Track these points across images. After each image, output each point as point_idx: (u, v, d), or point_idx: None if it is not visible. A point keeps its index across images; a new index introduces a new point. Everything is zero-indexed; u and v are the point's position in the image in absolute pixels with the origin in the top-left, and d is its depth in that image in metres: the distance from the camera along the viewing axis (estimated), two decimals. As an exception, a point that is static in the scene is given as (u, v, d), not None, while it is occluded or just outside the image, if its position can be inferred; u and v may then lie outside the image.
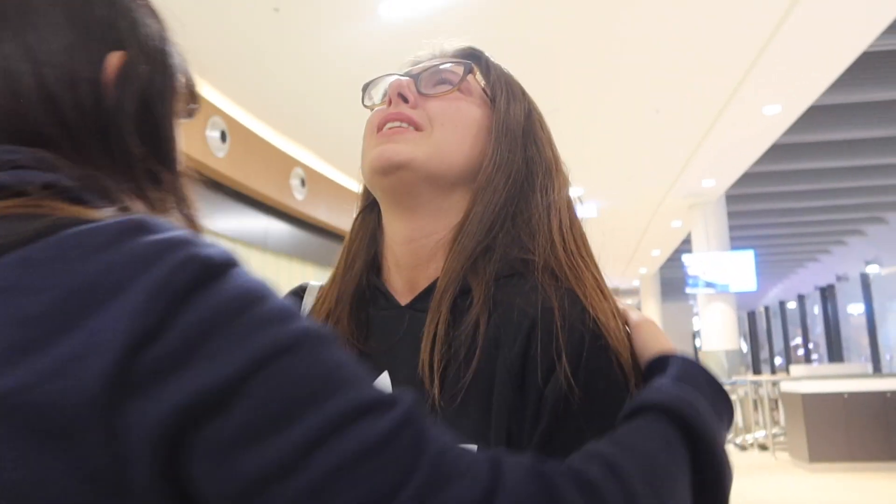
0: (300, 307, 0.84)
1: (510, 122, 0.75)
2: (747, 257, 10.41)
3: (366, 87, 0.84)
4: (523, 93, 0.80)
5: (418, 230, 0.74)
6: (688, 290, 10.76)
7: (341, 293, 0.77)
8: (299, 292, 0.88)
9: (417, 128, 0.73)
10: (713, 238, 10.49)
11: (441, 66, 0.77)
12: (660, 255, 15.63)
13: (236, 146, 6.83)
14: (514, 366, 0.62)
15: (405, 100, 0.75)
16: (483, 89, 0.78)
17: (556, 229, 0.71)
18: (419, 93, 0.75)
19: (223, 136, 6.55)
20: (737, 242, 11.48)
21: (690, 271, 10.35)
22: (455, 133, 0.73)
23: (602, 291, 0.67)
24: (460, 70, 0.77)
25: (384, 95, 0.80)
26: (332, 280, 0.80)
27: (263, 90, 6.52)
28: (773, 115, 7.09)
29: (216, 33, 5.45)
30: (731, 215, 11.01)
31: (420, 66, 0.79)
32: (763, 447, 8.89)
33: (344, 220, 9.22)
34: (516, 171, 0.73)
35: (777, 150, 8.44)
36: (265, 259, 7.97)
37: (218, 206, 6.97)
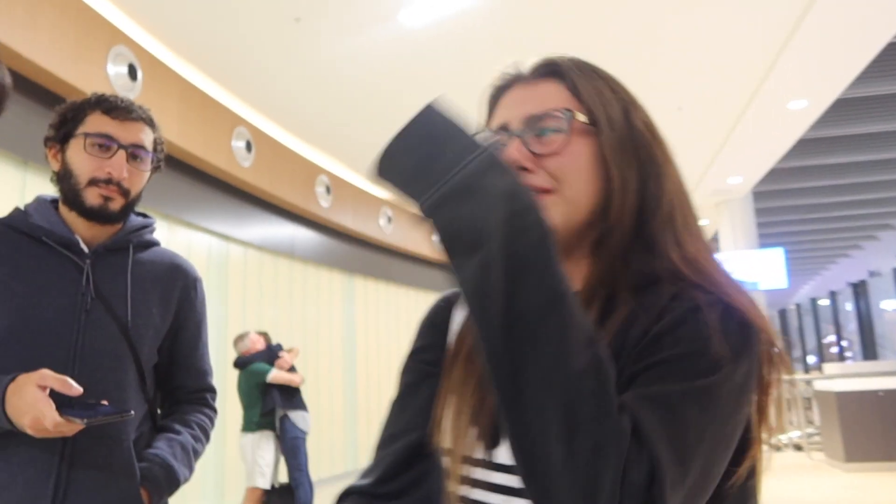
0: (449, 315, 0.87)
1: (615, 139, 0.73)
2: (777, 255, 10.26)
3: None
4: (612, 87, 0.78)
5: None
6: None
7: None
8: (450, 301, 0.89)
9: (548, 192, 0.72)
10: (741, 236, 10.36)
11: (539, 115, 0.74)
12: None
13: (261, 155, 6.92)
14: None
15: (525, 168, 0.72)
16: (582, 112, 0.75)
17: (671, 243, 0.72)
18: (534, 154, 0.73)
19: (248, 146, 6.64)
20: (765, 240, 11.33)
21: (718, 270, 10.24)
22: (580, 181, 0.72)
23: (734, 285, 0.69)
24: (559, 112, 0.73)
25: None
26: None
27: (287, 99, 6.60)
28: (799, 110, 6.99)
29: (239, 45, 5.54)
30: (758, 212, 10.86)
31: (516, 115, 0.75)
32: (798, 447, 8.75)
33: (369, 226, 9.28)
34: (634, 191, 0.72)
35: (804, 145, 8.32)
36: (292, 266, 8.06)
37: (245, 215, 7.06)
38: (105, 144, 1.32)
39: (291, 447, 5.04)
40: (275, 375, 5.04)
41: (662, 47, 5.71)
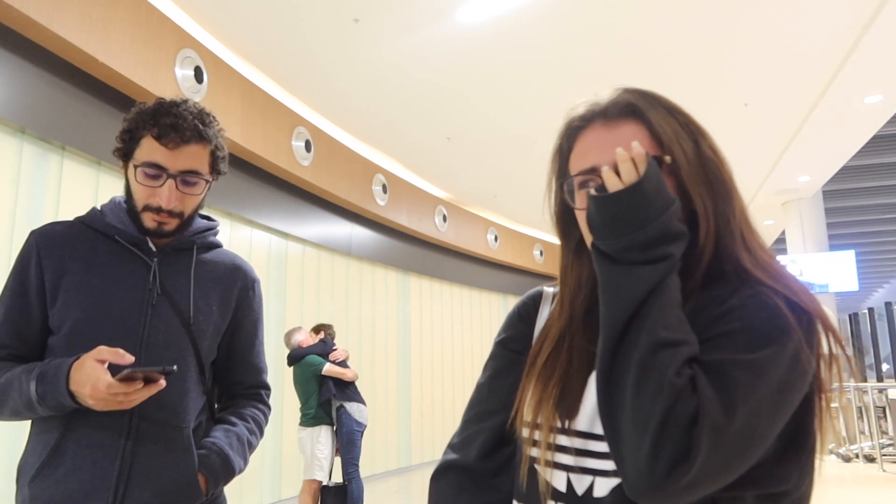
0: (536, 310, 0.99)
1: (693, 172, 0.83)
2: (847, 257, 9.84)
3: (563, 186, 0.90)
4: (683, 122, 0.86)
5: None
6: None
7: (574, 311, 0.90)
8: (536, 298, 1.01)
9: None
10: (809, 237, 9.98)
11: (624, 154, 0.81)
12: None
13: (320, 154, 7.03)
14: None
15: None
16: (662, 151, 0.83)
17: (743, 251, 0.83)
18: None
19: (308, 146, 6.76)
20: (835, 241, 10.88)
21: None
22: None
23: (799, 284, 0.80)
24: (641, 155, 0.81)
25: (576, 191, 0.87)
26: (562, 300, 0.92)
27: (345, 99, 6.69)
28: (874, 104, 6.69)
29: (299, 46, 5.64)
30: (828, 212, 10.44)
31: (606, 159, 0.82)
32: (869, 458, 8.37)
33: (424, 224, 9.33)
34: (712, 213, 0.83)
35: (877, 142, 7.95)
36: (349, 264, 8.17)
37: (303, 213, 7.19)
38: (154, 174, 1.35)
39: (348, 440, 5.11)
40: (328, 368, 5.12)
41: (730, 41, 5.55)
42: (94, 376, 1.19)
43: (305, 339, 5.39)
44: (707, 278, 0.82)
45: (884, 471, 7.72)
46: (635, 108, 0.86)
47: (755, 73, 6.11)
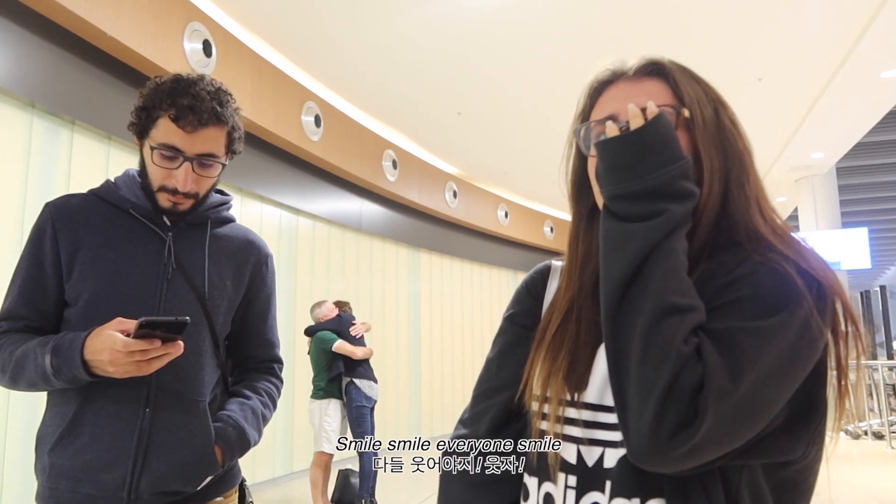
0: (544, 285, 0.99)
1: (707, 135, 0.84)
2: (860, 234, 9.75)
3: (579, 132, 0.91)
4: (706, 90, 0.88)
5: None
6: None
7: (582, 282, 0.90)
8: (544, 272, 1.01)
9: None
10: (822, 214, 9.88)
11: (644, 107, 0.82)
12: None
13: (330, 130, 7.00)
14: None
15: None
16: (679, 108, 0.85)
17: (758, 218, 0.83)
18: None
19: (317, 121, 6.73)
20: (848, 218, 10.79)
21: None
22: None
23: (816, 256, 0.79)
24: (668, 108, 0.84)
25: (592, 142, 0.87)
26: (570, 271, 0.92)
27: (355, 74, 6.64)
28: (891, 78, 6.57)
29: (309, 19, 5.59)
30: (841, 189, 10.33)
31: (625, 107, 0.83)
32: (878, 436, 8.37)
33: (434, 200, 9.31)
34: (720, 177, 0.83)
35: (892, 118, 7.83)
36: (359, 240, 8.18)
37: (314, 189, 7.19)
38: (171, 157, 1.34)
39: (357, 415, 5.17)
40: (338, 346, 5.17)
41: (745, 14, 5.45)
42: (111, 340, 1.19)
43: (327, 313, 5.44)
44: (720, 245, 0.82)
45: (892, 448, 7.72)
46: (661, 67, 0.88)
47: (769, 48, 6.01)
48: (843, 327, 0.77)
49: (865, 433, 8.54)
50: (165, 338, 1.21)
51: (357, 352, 5.23)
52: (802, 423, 0.76)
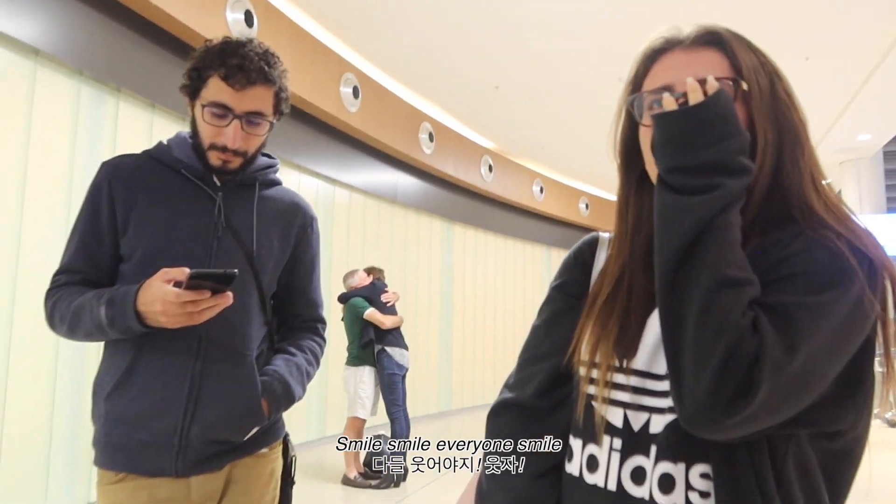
0: (593, 255, 1.00)
1: (764, 107, 0.84)
2: (905, 219, 9.49)
3: (633, 101, 0.90)
4: (762, 61, 0.87)
5: None
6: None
7: (634, 249, 0.91)
8: (593, 243, 1.02)
9: None
10: (867, 198, 9.63)
11: (704, 79, 0.82)
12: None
13: (368, 101, 7.03)
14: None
15: None
16: (738, 80, 0.84)
17: (811, 192, 0.83)
18: None
19: (356, 92, 6.76)
20: (894, 203, 10.48)
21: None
22: None
23: (867, 232, 0.80)
24: (728, 81, 0.83)
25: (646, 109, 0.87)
26: (621, 238, 0.93)
27: (394, 46, 6.64)
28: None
29: (350, -10, 5.58)
30: (888, 173, 10.03)
31: (683, 77, 0.83)
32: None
33: (470, 174, 9.30)
34: (774, 151, 0.83)
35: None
36: (394, 211, 8.24)
37: (350, 160, 7.25)
38: (221, 114, 1.38)
39: (388, 383, 5.27)
40: (369, 314, 5.25)
41: (792, -10, 5.30)
42: (162, 291, 1.24)
43: (360, 281, 5.52)
44: (772, 219, 0.82)
45: (928, 437, 7.57)
46: (719, 37, 0.87)
47: (817, 27, 5.84)
48: (892, 305, 0.78)
49: (901, 421, 8.38)
50: (215, 289, 1.26)
51: (386, 321, 5.30)
52: (850, 395, 0.77)
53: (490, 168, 9.74)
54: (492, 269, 10.56)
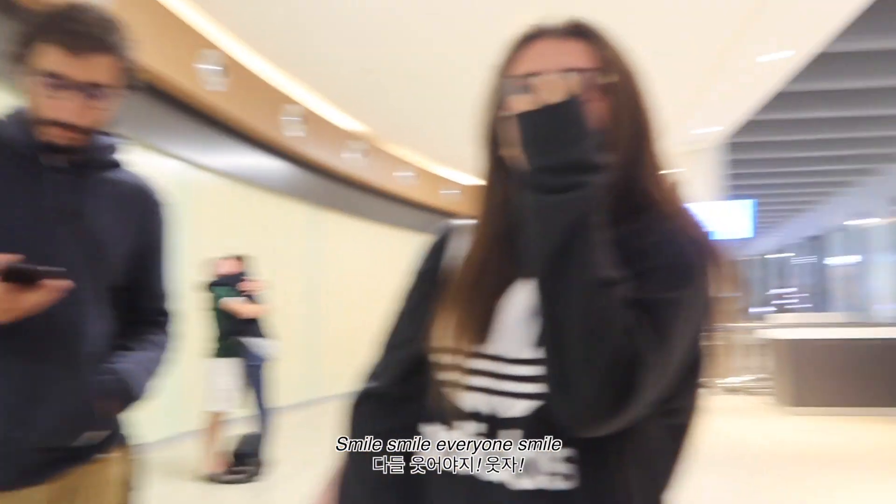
0: (450, 242, 1.00)
1: (624, 101, 0.87)
2: (745, 206, 10.41)
3: (499, 86, 0.91)
4: (623, 55, 0.90)
5: None
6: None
7: (492, 234, 0.91)
8: (449, 229, 1.02)
9: None
10: (711, 186, 10.46)
11: (578, 69, 0.85)
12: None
13: (232, 81, 6.68)
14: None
15: None
16: (604, 73, 0.87)
17: (661, 186, 0.88)
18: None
19: (219, 70, 6.40)
20: (734, 191, 11.47)
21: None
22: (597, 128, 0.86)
23: (700, 222, 0.86)
24: (595, 71, 0.86)
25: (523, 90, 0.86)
26: (481, 223, 0.93)
27: (259, 22, 6.34)
28: (781, 61, 6.96)
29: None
30: (732, 163, 10.95)
31: (552, 65, 0.85)
32: (750, 391, 9.09)
33: (342, 159, 9.14)
34: (630, 144, 0.86)
35: (784, 98, 8.33)
36: (259, 197, 7.92)
37: (212, 142, 6.88)
38: (57, 85, 1.22)
39: (248, 373, 5.14)
40: (225, 302, 5.07)
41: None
42: None
43: (224, 270, 5.30)
44: (627, 211, 0.84)
45: (761, 402, 8.42)
46: (587, 29, 0.90)
47: (668, 22, 6.21)
48: (726, 290, 0.84)
49: (740, 389, 9.24)
50: (35, 282, 1.14)
51: (243, 310, 5.13)
52: (690, 374, 0.83)
53: (361, 153, 9.61)
54: (363, 257, 10.47)
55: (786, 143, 11.19)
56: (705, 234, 0.84)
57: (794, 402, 7.53)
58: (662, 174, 0.90)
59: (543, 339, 0.76)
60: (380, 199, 10.61)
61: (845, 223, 16.56)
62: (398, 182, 10.78)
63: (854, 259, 16.95)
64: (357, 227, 10.31)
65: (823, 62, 7.33)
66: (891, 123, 10.01)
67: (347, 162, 9.31)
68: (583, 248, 0.74)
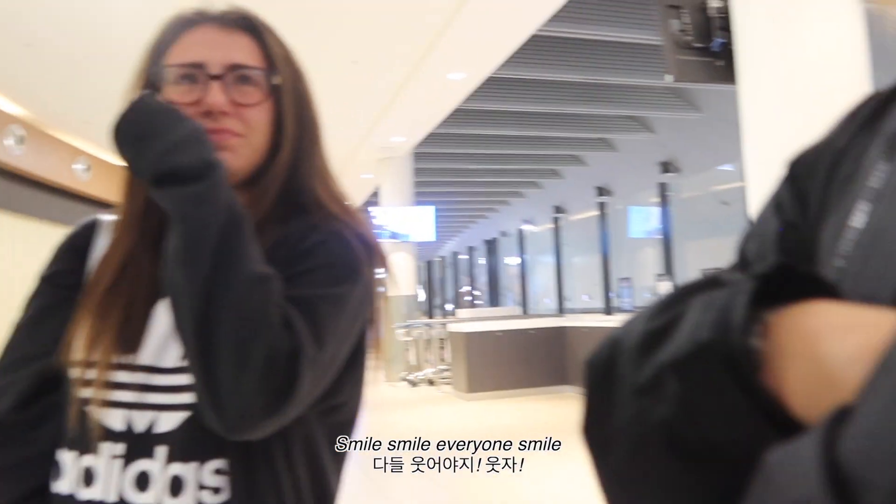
0: (90, 241, 0.90)
1: (290, 101, 0.87)
2: (428, 211, 11.29)
3: (152, 71, 0.86)
4: (289, 57, 0.90)
5: None
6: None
7: (139, 234, 0.84)
8: (91, 227, 0.92)
9: (238, 136, 0.83)
10: (399, 192, 11.14)
11: (243, 66, 0.84)
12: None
13: None
14: None
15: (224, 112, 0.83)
16: (272, 72, 0.86)
17: (323, 186, 0.89)
18: (233, 101, 0.83)
19: None
20: (420, 197, 12.37)
21: (376, 222, 10.89)
22: (264, 132, 0.85)
23: (365, 221, 0.89)
24: (261, 71, 0.85)
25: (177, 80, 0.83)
26: (125, 222, 0.86)
27: None
28: (458, 81, 7.71)
29: None
30: (417, 172, 11.79)
31: (216, 58, 0.83)
32: (431, 382, 9.89)
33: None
34: (294, 145, 0.86)
35: (461, 115, 9.24)
36: None
37: None
38: None
39: None
40: None
41: (342, -2, 5.76)
42: None
43: None
44: (287, 212, 0.85)
45: (441, 391, 9.22)
46: (252, 23, 0.87)
47: (364, 32, 6.49)
48: (384, 287, 0.89)
49: (422, 381, 10.01)
50: None
51: None
52: (352, 369, 0.84)
53: (20, 140, 8.30)
54: (23, 258, 9.04)
55: (466, 155, 12.42)
56: (368, 234, 0.86)
57: (469, 389, 8.42)
58: (327, 176, 0.91)
59: (189, 338, 0.69)
60: (46, 193, 9.27)
61: (518, 228, 18.95)
62: (69, 174, 9.53)
63: (521, 260, 19.50)
64: (17, 224, 8.87)
65: (496, 85, 8.31)
66: (550, 143, 11.73)
67: (2, 149, 7.96)
68: (234, 244, 0.71)
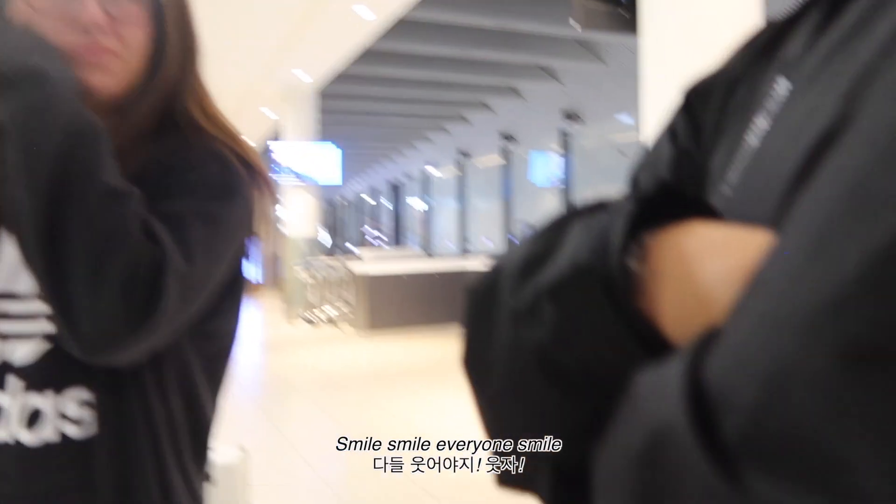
0: None
1: (173, 17, 0.82)
2: (334, 152, 11.08)
3: None
4: None
5: None
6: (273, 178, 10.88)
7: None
8: None
9: (114, 55, 0.78)
10: (304, 131, 10.86)
11: None
12: (251, 143, 15.49)
13: None
14: None
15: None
16: None
17: (201, 106, 0.86)
18: (109, 16, 0.77)
19: None
20: (326, 138, 12.12)
21: (277, 159, 10.56)
22: (141, 49, 0.80)
23: (245, 142, 0.88)
24: None
25: None
26: None
27: None
28: (366, 20, 7.52)
29: None
30: (324, 112, 11.50)
31: None
32: (332, 321, 9.93)
33: None
34: (177, 62, 0.83)
35: (370, 56, 9.05)
36: None
37: None
38: None
39: None
40: None
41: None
42: None
43: None
44: (163, 129, 0.83)
45: (343, 331, 9.31)
46: None
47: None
48: (267, 212, 0.88)
49: (323, 321, 10.03)
50: None
51: None
52: (228, 294, 0.83)
53: None
54: None
55: (374, 97, 12.22)
56: (252, 157, 0.85)
57: (369, 327, 8.56)
58: (205, 98, 0.88)
59: (35, 257, 0.66)
60: None
61: (422, 170, 18.96)
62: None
63: (424, 203, 19.61)
64: None
65: (406, 27, 8.17)
66: (459, 88, 11.71)
67: None
68: (85, 156, 0.67)
